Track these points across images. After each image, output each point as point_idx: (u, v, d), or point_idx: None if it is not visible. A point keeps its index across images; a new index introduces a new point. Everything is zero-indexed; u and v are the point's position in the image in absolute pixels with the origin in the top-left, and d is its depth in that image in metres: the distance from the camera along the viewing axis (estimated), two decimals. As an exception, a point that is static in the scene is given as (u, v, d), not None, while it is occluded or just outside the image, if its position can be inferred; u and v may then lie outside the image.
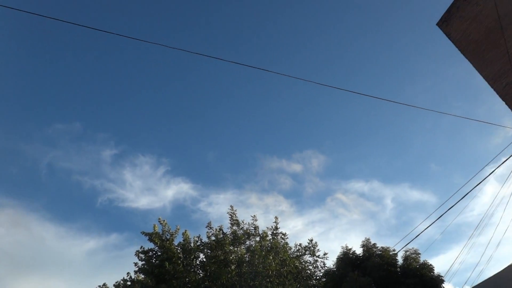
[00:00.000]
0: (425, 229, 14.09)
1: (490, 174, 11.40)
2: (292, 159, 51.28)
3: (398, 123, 56.25)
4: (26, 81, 47.77)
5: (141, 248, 15.26)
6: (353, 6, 50.58)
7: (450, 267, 14.46)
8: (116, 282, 14.95)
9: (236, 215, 17.03)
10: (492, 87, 9.48)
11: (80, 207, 49.07)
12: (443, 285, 14.68)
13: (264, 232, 16.79)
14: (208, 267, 15.05)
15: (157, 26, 49.18)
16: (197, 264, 15.61)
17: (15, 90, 47.30)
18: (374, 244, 16.17)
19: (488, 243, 12.85)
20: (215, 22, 52.48)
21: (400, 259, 15.65)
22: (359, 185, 51.32)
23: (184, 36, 49.46)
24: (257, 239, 16.68)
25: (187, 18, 50.84)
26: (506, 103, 9.01)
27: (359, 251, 16.06)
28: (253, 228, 17.03)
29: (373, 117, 57.34)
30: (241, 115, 55.02)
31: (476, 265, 14.11)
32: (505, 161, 10.67)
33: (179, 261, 14.84)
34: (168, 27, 51.77)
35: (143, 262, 14.99)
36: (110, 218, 48.25)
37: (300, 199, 51.45)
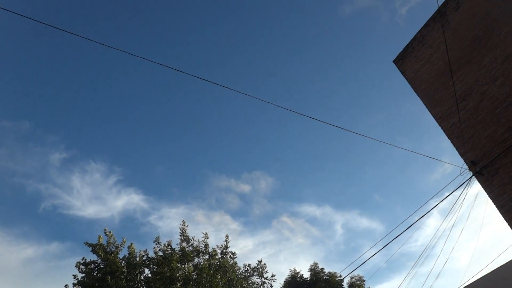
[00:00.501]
0: (371, 256, 14.46)
1: (434, 207, 11.97)
2: (241, 179, 51.33)
3: (354, 152, 58.23)
4: None
5: (82, 259, 14.59)
6: (316, 41, 52.44)
7: (393, 295, 14.78)
8: (52, 295, 14.12)
9: (187, 231, 16.81)
10: (439, 125, 10.05)
11: (21, 211, 45.95)
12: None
13: (213, 250, 16.67)
14: (152, 284, 14.61)
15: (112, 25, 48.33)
16: (141, 279, 15.07)
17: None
18: (322, 268, 16.43)
19: (429, 274, 13.38)
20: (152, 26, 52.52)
21: (345, 285, 15.94)
22: (311, 209, 52.31)
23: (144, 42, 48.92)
24: (206, 257, 16.54)
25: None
26: (451, 142, 9.57)
27: (306, 275, 16.10)
28: (203, 246, 16.88)
29: (330, 145, 59.02)
30: (193, 129, 54.60)
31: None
32: (448, 195, 11.26)
33: (122, 276, 14.27)
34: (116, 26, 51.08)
35: (83, 275, 14.27)
36: (53, 225, 45.46)
37: (247, 219, 51.49)
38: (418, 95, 10.36)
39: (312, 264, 16.40)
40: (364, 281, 16.03)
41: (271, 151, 57.89)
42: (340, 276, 15.81)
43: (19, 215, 46.16)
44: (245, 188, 48.17)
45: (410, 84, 10.50)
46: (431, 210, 11.51)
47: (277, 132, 58.63)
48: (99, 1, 46.52)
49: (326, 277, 15.78)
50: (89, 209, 44.27)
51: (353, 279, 16.00)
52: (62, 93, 49.80)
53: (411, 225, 12.04)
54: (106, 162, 48.30)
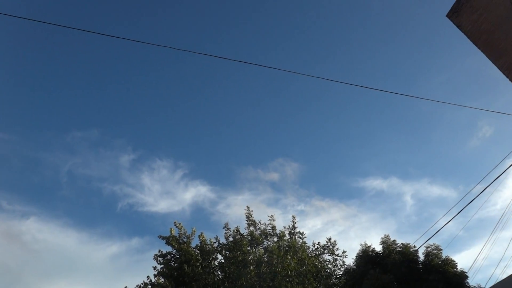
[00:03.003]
0: (446, 224, 13.98)
1: (511, 166, 11.32)
2: (267, 168, 51.05)
3: (415, 119, 55.37)
4: (44, 90, 49.23)
5: (159, 251, 15.58)
6: (358, 3, 50.18)
7: (473, 263, 14.24)
8: (137, 286, 15.31)
9: (253, 215, 17.16)
10: (507, 77, 9.44)
11: (101, 212, 50.60)
12: (467, 281, 14.58)
13: (281, 232, 16.86)
14: (227, 268, 15.19)
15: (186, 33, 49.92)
16: (216, 265, 15.79)
17: (33, 98, 48.91)
18: (394, 240, 16.07)
19: None
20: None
21: (421, 256, 15.49)
22: (377, 182, 50.81)
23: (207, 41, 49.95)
24: (275, 239, 16.77)
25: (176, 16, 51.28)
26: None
27: (378, 248, 16.03)
28: (270, 228, 17.13)
29: (388, 113, 56.62)
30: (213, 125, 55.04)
31: (500, 260, 13.99)
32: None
33: (198, 263, 15.01)
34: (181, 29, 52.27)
35: (162, 266, 15.24)
36: (131, 222, 49.50)
37: (319, 197, 51.29)
38: (479, 48, 9.77)
39: (383, 236, 16.17)
40: (441, 250, 15.43)
41: (337, 125, 56.87)
42: (414, 246, 15.40)
43: (100, 216, 51.13)
44: (274, 176, 48.44)
45: (468, 38, 9.91)
46: (508, 169, 10.91)
47: (335, 105, 57.21)
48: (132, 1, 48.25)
49: (399, 249, 15.52)
50: (161, 204, 47.40)
51: (428, 249, 15.47)
52: (122, 98, 53.06)
53: (486, 187, 11.48)
54: (170, 158, 51.09)
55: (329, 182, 55.07)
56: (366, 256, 15.72)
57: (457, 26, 9.90)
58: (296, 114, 55.29)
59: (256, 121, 55.73)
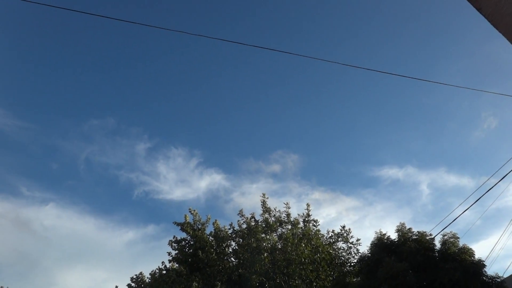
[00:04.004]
0: (463, 212, 13.86)
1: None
2: (268, 160, 50.72)
3: (432, 106, 54.15)
4: (61, 78, 50.00)
5: (174, 238, 15.93)
6: None
7: (490, 252, 14.12)
8: (151, 271, 15.57)
9: (267, 202, 17.33)
10: (529, 61, 9.19)
11: (118, 199, 52.03)
12: (484, 270, 14.39)
13: (295, 219, 17.00)
14: (241, 255, 15.46)
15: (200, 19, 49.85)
16: (230, 252, 16.08)
17: (51, 88, 49.81)
18: (410, 228, 15.92)
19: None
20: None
21: (437, 244, 15.37)
22: (392, 171, 50.45)
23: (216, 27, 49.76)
24: (289, 226, 16.91)
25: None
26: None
27: (394, 236, 15.87)
28: (285, 216, 17.27)
29: (404, 100, 55.62)
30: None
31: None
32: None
33: (212, 250, 15.34)
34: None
35: (177, 252, 15.59)
36: (147, 210, 50.83)
37: (333, 186, 51.11)
38: (501, 32, 9.50)
39: (398, 224, 15.85)
40: (458, 238, 15.12)
41: (353, 111, 56.03)
42: (431, 234, 15.25)
43: (117, 203, 53.52)
44: (276, 168, 48.25)
45: (489, 21, 9.64)
46: (528, 156, 10.74)
47: (351, 88, 56.20)
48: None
49: (415, 237, 15.30)
50: (176, 192, 48.58)
51: (445, 237, 15.18)
52: (138, 86, 53.59)
53: (505, 176, 11.34)
54: (185, 147, 51.82)
55: (344, 172, 54.71)
56: (381, 243, 15.50)
57: (478, 10, 9.65)
58: (306, 102, 54.90)
59: (256, 112, 55.80)
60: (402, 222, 16.24)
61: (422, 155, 53.95)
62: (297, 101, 55.10)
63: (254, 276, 14.64)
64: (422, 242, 14.99)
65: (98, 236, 47.72)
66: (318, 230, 17.29)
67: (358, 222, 43.48)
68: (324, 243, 16.83)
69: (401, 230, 15.80)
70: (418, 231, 15.68)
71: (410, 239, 15.35)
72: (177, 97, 55.94)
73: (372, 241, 16.10)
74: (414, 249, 14.68)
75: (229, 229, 16.70)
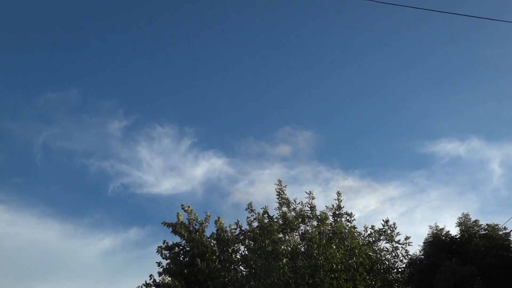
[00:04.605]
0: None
1: None
2: (274, 140, 43.30)
3: (503, 56, 45.17)
4: (5, 44, 43.79)
5: (164, 243, 14.33)
6: None
7: None
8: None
9: (285, 192, 15.40)
10: None
11: (88, 197, 44.26)
12: None
13: (322, 213, 15.19)
14: (252, 262, 13.79)
15: None
16: (238, 259, 14.52)
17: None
18: (476, 221, 14.21)
19: None
20: None
21: (515, 239, 15.11)
22: (451, 146, 42.60)
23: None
24: (315, 223, 15.21)
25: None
26: None
27: (454, 231, 14.28)
28: (308, 209, 15.44)
29: (466, 47, 45.55)
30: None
31: None
32: None
33: (214, 257, 13.83)
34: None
35: (169, 261, 13.96)
36: (127, 208, 42.96)
37: (371, 169, 44.17)
38: None
39: (460, 216, 14.25)
40: None
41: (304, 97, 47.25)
42: (505, 228, 13.42)
43: (87, 202, 45.11)
44: (284, 149, 40.70)
45: None
46: None
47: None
48: None
49: (484, 232, 13.61)
50: (165, 184, 41.98)
51: (525, 231, 13.14)
52: (108, 51, 47.02)
53: None
54: (174, 124, 44.44)
55: (385, 150, 46.95)
56: (437, 242, 13.91)
57: None
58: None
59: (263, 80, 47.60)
60: (465, 213, 14.62)
61: (492, 124, 45.64)
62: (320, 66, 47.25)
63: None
64: (493, 239, 13.36)
65: (65, 246, 39.74)
66: (354, 227, 15.51)
67: (407, 215, 38.15)
68: (361, 244, 15.12)
69: (464, 224, 14.21)
70: (487, 224, 14.08)
71: (477, 235, 13.80)
72: (161, 62, 48.99)
73: (426, 239, 14.61)
74: (483, 248, 13.07)
75: (236, 229, 14.90)
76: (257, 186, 37.43)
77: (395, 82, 48.85)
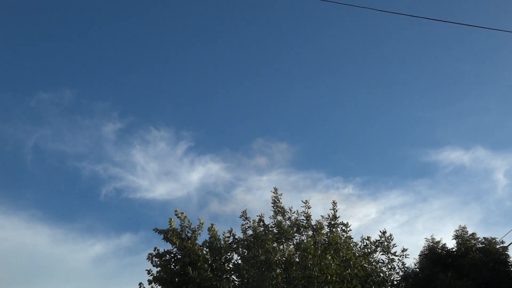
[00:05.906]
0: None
1: None
2: (249, 153, 42.78)
3: (509, 62, 44.54)
4: None
5: (155, 250, 14.00)
6: None
7: None
8: (125, 297, 13.41)
9: (281, 200, 15.21)
10: None
11: (80, 201, 43.41)
12: None
13: (318, 222, 14.86)
14: (245, 272, 13.66)
15: None
16: (231, 268, 14.28)
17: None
18: (473, 234, 14.17)
19: None
20: None
21: (512, 255, 14.73)
22: (455, 155, 41.90)
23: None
24: (310, 233, 14.90)
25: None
26: None
27: (451, 244, 14.37)
28: (304, 219, 15.13)
29: (472, 53, 44.02)
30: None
31: None
32: None
33: (206, 265, 13.47)
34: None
35: (159, 269, 13.62)
36: (120, 213, 42.35)
37: (372, 177, 43.04)
38: None
39: (457, 229, 14.26)
40: None
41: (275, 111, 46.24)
42: (502, 242, 13.42)
43: (79, 207, 44.07)
44: (261, 161, 39.71)
45: None
46: None
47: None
48: None
49: (481, 245, 13.84)
50: (159, 189, 41.85)
51: (525, 245, 12.89)
52: (103, 50, 46.21)
53: None
54: (171, 127, 44.30)
55: (388, 157, 46.15)
56: (433, 255, 13.99)
57: None
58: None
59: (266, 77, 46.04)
60: (462, 225, 14.60)
61: (497, 132, 44.68)
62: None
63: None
64: (490, 253, 13.32)
65: (55, 251, 38.72)
66: (349, 237, 15.27)
67: (408, 225, 37.39)
68: (357, 255, 14.78)
69: (460, 237, 14.16)
70: (484, 238, 14.08)
71: (474, 249, 13.76)
72: (158, 62, 48.23)
73: (422, 252, 14.65)
74: (480, 262, 13.08)
75: (229, 237, 14.75)
76: (255, 193, 36.76)
77: (398, 88, 48.64)
